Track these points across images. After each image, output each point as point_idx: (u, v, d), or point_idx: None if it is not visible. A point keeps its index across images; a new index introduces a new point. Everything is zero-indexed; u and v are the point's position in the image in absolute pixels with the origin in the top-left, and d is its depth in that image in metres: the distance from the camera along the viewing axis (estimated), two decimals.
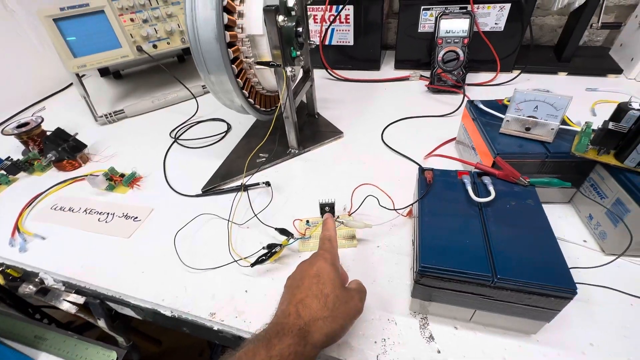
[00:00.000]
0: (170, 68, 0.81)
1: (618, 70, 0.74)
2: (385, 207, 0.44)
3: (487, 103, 0.50)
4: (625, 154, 0.36)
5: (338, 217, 0.46)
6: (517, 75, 0.77)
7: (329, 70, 0.87)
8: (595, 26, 0.72)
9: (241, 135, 0.69)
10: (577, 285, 0.34)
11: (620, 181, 0.37)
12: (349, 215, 0.47)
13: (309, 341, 0.27)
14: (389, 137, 0.65)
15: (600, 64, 0.77)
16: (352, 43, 0.87)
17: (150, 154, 0.66)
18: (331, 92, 0.83)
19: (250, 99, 0.53)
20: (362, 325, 0.36)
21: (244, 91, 0.50)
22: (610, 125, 0.36)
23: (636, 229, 0.36)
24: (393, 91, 0.81)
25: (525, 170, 0.43)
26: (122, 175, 0.60)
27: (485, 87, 0.78)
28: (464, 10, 0.73)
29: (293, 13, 0.53)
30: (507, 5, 0.72)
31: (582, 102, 0.68)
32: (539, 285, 0.27)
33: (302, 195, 0.53)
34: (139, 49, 0.75)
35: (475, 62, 0.81)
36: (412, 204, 0.42)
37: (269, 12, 0.44)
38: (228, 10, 0.44)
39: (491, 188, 0.35)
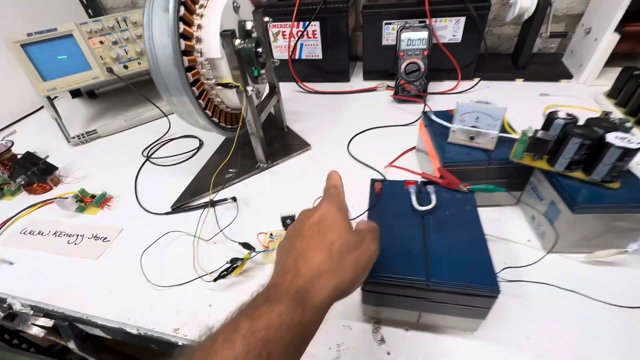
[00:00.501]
0: (143, 87, 0.82)
1: (569, 76, 0.79)
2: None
3: (438, 114, 0.54)
4: (555, 160, 0.40)
5: None
6: (477, 83, 0.81)
7: (299, 84, 0.89)
8: (544, 35, 0.76)
9: (213, 151, 0.71)
10: (516, 282, 0.37)
11: (552, 184, 0.40)
12: None
13: (309, 304, 0.22)
14: (356, 147, 0.67)
15: (553, 70, 0.82)
16: (320, 56, 0.90)
17: (122, 174, 0.67)
18: (301, 105, 0.85)
19: (214, 118, 0.55)
20: (318, 332, 0.37)
21: (206, 111, 0.52)
22: (539, 134, 0.39)
23: (565, 227, 0.39)
24: (361, 102, 0.84)
25: (472, 176, 0.46)
26: (93, 196, 0.60)
27: (448, 95, 0.81)
28: (423, 24, 0.77)
29: (253, 35, 0.56)
30: (462, 19, 0.76)
31: (536, 107, 0.71)
32: (465, 286, 0.29)
33: (268, 209, 0.55)
34: (109, 70, 0.76)
35: (438, 71, 0.85)
36: (360, 215, 0.45)
37: (226, 37, 0.46)
38: (185, 36, 0.46)
39: (433, 197, 0.38)
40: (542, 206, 0.43)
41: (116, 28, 0.77)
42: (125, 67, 0.79)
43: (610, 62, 0.73)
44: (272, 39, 0.89)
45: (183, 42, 0.45)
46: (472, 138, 0.46)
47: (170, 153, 0.72)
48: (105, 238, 0.53)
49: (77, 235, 0.54)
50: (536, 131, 0.40)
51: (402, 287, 0.31)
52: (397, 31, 0.77)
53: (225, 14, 0.48)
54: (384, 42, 0.84)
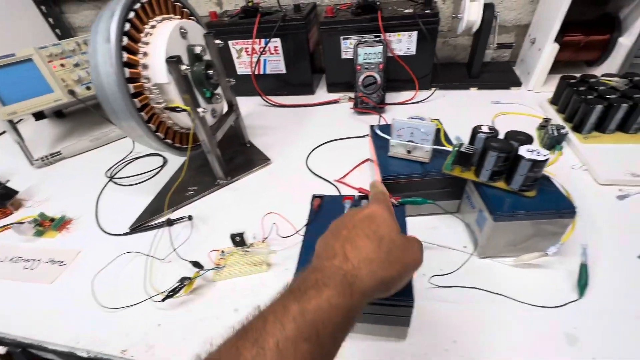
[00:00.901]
0: None
1: (518, 84, 0.83)
2: (279, 236, 0.48)
3: (383, 128, 0.56)
4: (479, 171, 0.42)
5: (252, 244, 0.50)
6: (432, 93, 0.84)
7: (264, 98, 0.91)
8: (492, 46, 0.80)
9: (177, 169, 0.72)
10: (448, 287, 0.40)
11: (479, 193, 0.43)
12: (263, 242, 0.51)
13: (356, 289, 0.22)
14: (315, 160, 0.69)
15: (504, 78, 0.86)
16: (284, 71, 0.92)
17: (84, 196, 0.68)
18: (266, 119, 0.88)
19: (167, 140, 0.56)
20: None
21: (157, 134, 0.53)
22: (463, 148, 0.42)
23: (491, 234, 0.41)
24: (324, 114, 0.87)
25: (411, 188, 0.48)
26: (53, 220, 0.61)
27: (406, 105, 0.84)
28: (378, 39, 0.80)
29: (205, 57, 0.58)
30: (414, 33, 0.80)
31: (487, 114, 0.75)
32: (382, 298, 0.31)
33: (224, 226, 0.56)
34: (71, 92, 0.77)
35: (398, 82, 0.88)
36: (298, 230, 0.47)
37: (172, 63, 0.48)
38: (130, 64, 0.47)
39: None
40: (474, 214, 0.45)
41: (77, 50, 0.78)
42: (88, 88, 0.80)
43: (558, 69, 0.78)
44: (236, 55, 0.91)
45: (127, 70, 0.46)
46: (409, 152, 0.49)
47: (135, 172, 0.73)
48: (62, 262, 0.54)
49: (34, 260, 0.54)
50: (461, 145, 0.43)
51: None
52: (354, 46, 0.80)
53: (172, 41, 0.50)
54: (344, 56, 0.87)
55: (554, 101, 0.72)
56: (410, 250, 0.26)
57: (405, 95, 0.88)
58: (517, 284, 0.42)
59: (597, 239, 0.45)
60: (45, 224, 0.60)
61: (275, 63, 0.91)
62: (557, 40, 0.74)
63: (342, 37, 0.84)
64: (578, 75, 0.68)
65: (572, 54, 0.78)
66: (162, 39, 0.49)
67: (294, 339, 0.19)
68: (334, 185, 0.61)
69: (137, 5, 0.48)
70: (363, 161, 0.65)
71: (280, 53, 0.89)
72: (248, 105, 0.94)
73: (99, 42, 0.45)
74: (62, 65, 0.76)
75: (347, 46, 0.85)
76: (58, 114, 1.02)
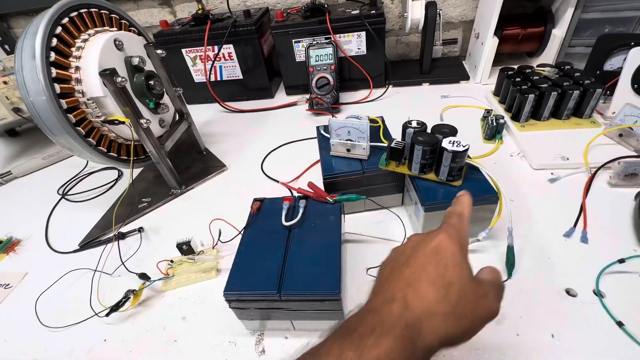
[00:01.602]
0: None
1: (467, 77, 0.86)
2: (221, 241, 0.49)
3: (326, 128, 0.57)
4: (410, 165, 0.44)
5: (202, 251, 0.50)
6: (386, 90, 0.87)
7: (221, 104, 0.91)
8: (438, 43, 0.83)
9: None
10: None
11: (414, 186, 0.45)
12: (213, 248, 0.51)
13: (418, 344, 0.20)
14: (271, 164, 0.70)
15: (454, 72, 0.89)
16: (241, 76, 0.92)
17: (33, 215, 0.66)
18: (225, 125, 0.87)
19: (112, 153, 0.55)
20: (203, 347, 0.39)
21: (99, 148, 0.53)
22: (392, 143, 0.44)
23: (426, 223, 0.43)
24: (283, 117, 0.87)
25: (353, 185, 0.50)
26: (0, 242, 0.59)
27: (361, 104, 0.86)
28: (328, 41, 0.81)
29: (146, 68, 0.58)
30: (363, 33, 0.81)
31: (436, 108, 0.78)
32: (310, 293, 0.32)
33: (175, 236, 0.54)
34: (16, 110, 0.75)
35: (353, 81, 0.90)
36: (239, 232, 0.47)
37: (106, 76, 0.48)
38: (61, 79, 0.47)
39: (301, 210, 0.41)
40: (412, 206, 0.47)
41: None
42: None
43: (503, 61, 0.81)
44: (191, 63, 0.91)
45: (58, 86, 0.46)
46: (348, 150, 0.50)
47: (89, 187, 0.72)
48: (7, 284, 0.52)
49: None
50: (392, 141, 0.44)
51: (261, 301, 0.34)
52: (306, 49, 0.82)
53: (105, 53, 0.50)
54: (297, 59, 0.88)
55: (496, 92, 0.75)
56: (484, 300, 0.22)
57: (361, 94, 0.89)
58: None
59: (528, 221, 0.48)
60: None
61: (231, 69, 0.91)
62: (496, 34, 0.77)
63: (294, 41, 0.85)
64: (516, 66, 0.72)
65: (512, 46, 0.81)
66: (94, 52, 0.49)
67: None
68: (288, 187, 0.62)
69: (65, 20, 0.48)
70: (316, 162, 0.66)
71: (234, 59, 0.89)
72: (207, 112, 0.93)
73: (25, 59, 0.44)
74: (4, 82, 0.74)
75: (300, 49, 0.86)
76: (10, 132, 0.99)
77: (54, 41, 0.46)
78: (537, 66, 0.71)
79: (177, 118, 0.69)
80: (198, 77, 0.93)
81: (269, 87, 0.94)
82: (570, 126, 0.62)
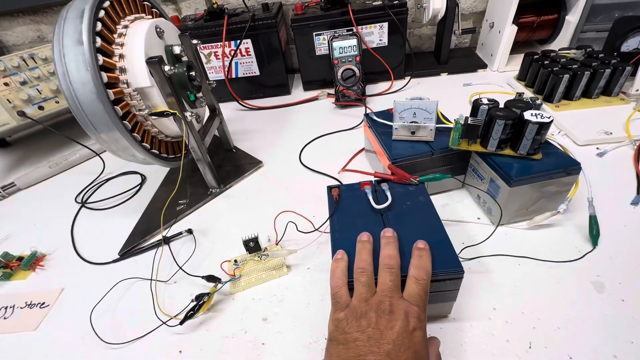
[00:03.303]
0: (65, 127, 0.74)
1: (484, 66, 0.88)
2: (302, 232, 0.46)
3: (379, 114, 0.56)
4: (486, 141, 0.44)
5: (266, 248, 0.47)
6: (408, 82, 0.87)
7: (240, 102, 0.88)
8: (457, 33, 0.85)
9: (158, 185, 0.66)
10: (474, 259, 0.40)
11: (489, 163, 0.44)
12: (277, 244, 0.48)
13: None
14: (307, 157, 0.68)
15: (470, 62, 0.91)
16: (258, 73, 0.89)
17: (54, 227, 0.60)
18: (247, 123, 0.84)
19: (154, 150, 0.51)
20: (297, 350, 0.36)
21: (144, 144, 0.48)
22: (470, 120, 0.43)
23: (506, 200, 0.43)
24: (305, 112, 0.85)
25: (420, 168, 0.49)
26: (21, 259, 0.53)
27: (385, 95, 0.86)
28: (351, 32, 0.81)
29: (183, 58, 0.54)
30: (385, 24, 0.81)
31: (462, 96, 0.79)
32: (434, 273, 0.31)
33: (228, 235, 0.52)
34: (21, 114, 0.68)
35: (373, 74, 0.89)
36: (323, 223, 0.45)
37: (153, 64, 0.44)
38: (106, 68, 0.43)
39: (388, 193, 0.39)
40: (484, 185, 0.46)
41: (23, 67, 0.69)
42: (41, 107, 0.71)
43: (515, 49, 0.84)
44: (204, 60, 0.87)
45: (105, 75, 0.41)
46: (413, 133, 0.49)
47: (109, 194, 0.66)
48: (43, 304, 0.46)
49: (6, 308, 0.46)
50: (466, 118, 0.44)
51: None
52: (328, 41, 0.80)
53: (149, 40, 0.46)
54: (318, 52, 0.86)
55: (520, 77, 0.77)
56: None
57: (382, 86, 0.89)
58: (536, 244, 0.43)
59: (592, 192, 0.48)
60: (13, 265, 0.51)
61: (248, 65, 0.88)
62: (514, 22, 0.80)
63: (314, 34, 0.83)
64: (539, 52, 0.74)
65: (528, 33, 0.84)
66: (138, 39, 0.45)
67: None
68: (335, 178, 0.60)
69: (107, 4, 0.44)
70: (359, 151, 0.65)
71: (252, 55, 0.86)
72: (224, 111, 0.88)
73: (68, 46, 0.39)
74: (5, 84, 0.67)
75: (321, 42, 0.84)
76: (1, 143, 0.90)
77: (99, 25, 0.41)
78: (559, 50, 0.73)
79: (209, 114, 0.65)
80: (212, 74, 0.89)
81: (286, 84, 0.92)
82: (601, 104, 0.65)
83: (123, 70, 0.44)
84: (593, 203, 0.43)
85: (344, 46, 0.79)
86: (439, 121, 0.50)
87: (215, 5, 0.82)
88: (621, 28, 0.69)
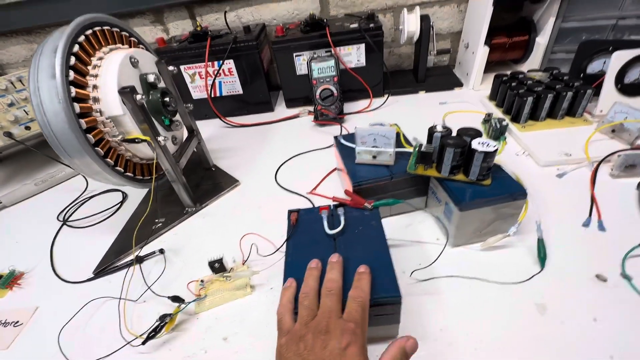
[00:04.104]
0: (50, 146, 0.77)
1: (460, 84, 0.91)
2: (261, 255, 0.48)
3: (348, 137, 0.59)
4: (440, 167, 0.46)
5: (232, 269, 0.49)
6: (386, 100, 0.90)
7: (222, 119, 0.90)
8: (432, 53, 0.88)
9: (138, 203, 0.68)
10: (428, 280, 0.41)
11: (443, 187, 0.46)
12: (243, 264, 0.50)
13: None
14: (284, 175, 0.70)
15: (447, 80, 0.94)
16: (241, 91, 0.92)
17: (34, 245, 0.62)
18: (229, 140, 0.87)
19: (128, 173, 0.53)
20: None
21: (117, 168, 0.51)
22: (423, 148, 0.45)
23: (459, 223, 0.45)
24: (286, 129, 0.88)
25: (381, 191, 0.51)
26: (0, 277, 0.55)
27: (364, 113, 0.88)
28: (329, 54, 0.83)
29: (160, 85, 0.57)
30: (362, 45, 0.84)
31: (437, 114, 0.81)
32: (371, 298, 0.32)
33: (199, 255, 0.54)
34: (8, 134, 0.71)
35: (353, 92, 0.92)
36: (280, 247, 0.47)
37: (125, 94, 0.47)
38: (80, 99, 0.45)
39: (342, 218, 0.41)
40: (441, 207, 0.49)
41: (10, 89, 0.72)
42: (27, 128, 0.74)
43: (491, 68, 0.86)
44: (189, 80, 0.90)
45: (77, 106, 0.44)
46: (374, 157, 0.51)
47: (92, 212, 0.68)
48: (17, 322, 0.48)
49: None
50: (420, 145, 0.46)
51: None
52: (307, 62, 0.83)
53: (123, 71, 0.49)
54: (299, 72, 0.89)
55: (492, 97, 0.80)
56: None
57: (361, 104, 0.92)
58: (488, 266, 0.45)
59: (546, 215, 0.50)
60: None
61: (231, 84, 0.91)
62: (486, 43, 0.83)
63: (295, 54, 0.86)
64: (508, 72, 0.77)
65: (500, 54, 0.87)
66: (112, 70, 0.47)
67: None
68: (307, 198, 0.62)
69: (82, 38, 0.46)
70: (331, 171, 0.67)
71: (235, 74, 0.89)
72: (208, 128, 0.92)
73: (43, 80, 0.42)
74: None
75: (301, 62, 0.87)
76: None
77: (72, 59, 0.44)
78: (528, 71, 0.76)
79: (187, 135, 0.68)
80: (196, 93, 0.92)
81: (269, 101, 0.95)
82: (565, 125, 0.67)
83: (97, 99, 0.47)
84: (541, 227, 0.45)
85: (322, 67, 0.82)
86: (400, 145, 0.52)
87: (198, 28, 0.85)
88: (586, 51, 0.72)
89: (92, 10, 0.91)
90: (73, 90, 0.44)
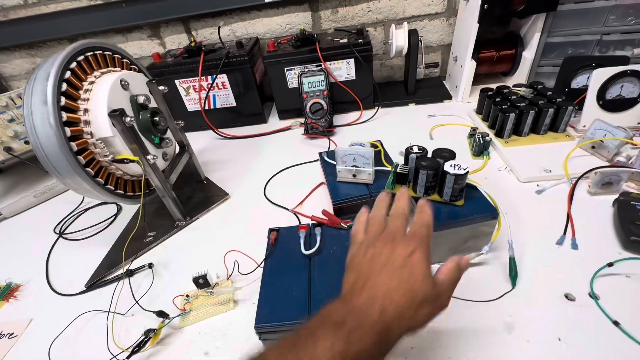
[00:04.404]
0: None
1: (449, 97, 0.93)
2: (241, 273, 0.50)
3: (330, 154, 0.60)
4: (415, 187, 0.48)
5: (217, 284, 0.51)
6: (376, 112, 0.91)
7: (216, 131, 0.93)
8: (421, 66, 0.89)
9: (132, 215, 0.70)
10: None
11: None
12: (228, 279, 0.51)
13: (389, 339, 0.26)
14: (273, 188, 0.72)
15: (437, 92, 0.95)
16: (234, 104, 0.95)
17: (31, 257, 0.64)
18: (222, 152, 0.89)
19: (119, 190, 0.56)
20: None
21: (107, 186, 0.53)
22: (398, 169, 0.47)
23: (434, 242, 0.46)
24: (278, 142, 0.90)
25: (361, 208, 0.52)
26: None
27: (354, 125, 0.90)
28: (319, 68, 0.86)
29: (149, 105, 0.59)
30: (352, 60, 0.86)
31: (424, 128, 0.83)
32: None
33: (187, 269, 0.56)
34: (8, 149, 0.73)
35: (344, 104, 0.94)
36: (259, 265, 0.48)
37: (115, 117, 0.49)
38: (71, 122, 0.47)
39: (318, 238, 0.43)
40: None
41: (11, 105, 0.74)
42: (27, 142, 0.77)
43: (481, 80, 0.88)
44: (184, 93, 0.93)
45: (68, 130, 0.46)
46: (354, 175, 0.53)
47: (87, 224, 0.71)
48: (12, 334, 0.50)
49: None
50: (397, 166, 0.48)
51: (290, 331, 0.35)
52: (298, 77, 0.85)
53: (113, 94, 0.51)
54: (290, 86, 0.91)
55: (478, 111, 0.81)
56: (439, 299, 0.29)
57: (352, 115, 0.94)
58: (462, 283, 0.45)
59: (523, 231, 0.52)
60: None
61: (225, 97, 0.93)
62: (474, 57, 0.84)
63: (286, 69, 0.88)
64: (495, 86, 0.78)
65: (488, 67, 0.89)
66: (102, 94, 0.50)
67: None
68: (293, 212, 0.64)
69: (74, 64, 0.49)
70: (318, 185, 0.69)
71: (228, 87, 0.91)
72: (202, 140, 0.95)
73: (36, 105, 0.44)
74: None
75: (292, 76, 0.89)
76: None
77: (64, 86, 0.47)
78: (513, 86, 0.77)
79: (178, 150, 0.70)
80: (191, 106, 0.95)
81: (262, 113, 0.97)
82: (548, 140, 0.68)
83: (87, 122, 0.49)
84: (513, 245, 0.46)
85: (313, 81, 0.84)
86: (381, 164, 0.54)
87: (192, 44, 0.87)
88: (570, 66, 0.73)
89: (91, 26, 0.95)
90: (64, 115, 0.46)
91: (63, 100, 0.46)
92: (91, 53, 0.53)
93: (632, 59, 0.73)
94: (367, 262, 0.30)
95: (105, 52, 0.56)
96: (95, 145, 0.50)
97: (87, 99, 0.50)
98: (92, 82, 0.51)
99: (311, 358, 0.23)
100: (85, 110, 0.49)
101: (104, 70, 0.55)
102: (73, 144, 0.47)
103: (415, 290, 0.27)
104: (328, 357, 0.23)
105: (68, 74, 0.48)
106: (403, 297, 0.27)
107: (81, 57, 0.50)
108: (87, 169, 0.49)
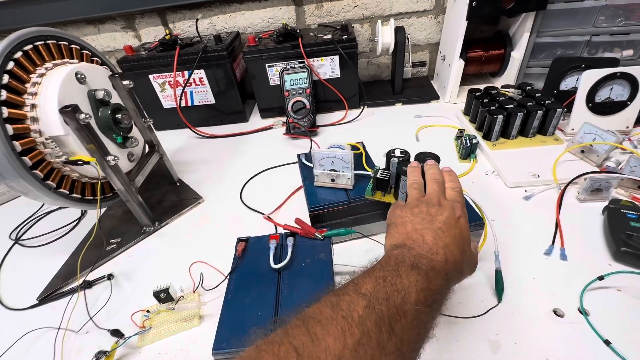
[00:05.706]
0: None
1: (437, 97, 0.90)
2: (204, 288, 0.45)
3: (308, 157, 0.56)
4: (397, 193, 0.44)
5: (182, 297, 0.46)
6: (361, 112, 0.88)
7: (193, 130, 0.88)
8: (408, 65, 0.86)
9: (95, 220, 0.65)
10: None
11: None
12: (194, 292, 0.47)
13: (449, 287, 0.30)
14: (250, 191, 0.68)
15: (424, 92, 0.92)
16: (213, 101, 0.90)
17: None
18: (199, 152, 0.84)
19: (75, 195, 0.51)
20: None
21: (61, 190, 0.48)
22: (378, 175, 0.43)
23: None
24: (259, 141, 0.85)
25: (339, 215, 0.49)
26: None
27: (338, 125, 0.87)
28: (302, 65, 0.82)
29: (111, 101, 0.54)
30: (336, 57, 0.83)
31: (411, 128, 0.80)
32: None
33: (150, 281, 0.51)
34: None
35: (329, 102, 0.90)
36: (225, 279, 0.44)
37: (67, 113, 0.44)
38: (14, 119, 0.42)
39: (289, 250, 0.39)
40: None
41: None
42: None
43: (469, 80, 0.85)
44: (159, 89, 0.87)
45: (10, 127, 0.41)
46: (333, 180, 0.49)
47: (47, 229, 0.65)
48: None
49: None
50: (376, 171, 0.44)
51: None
52: (280, 73, 0.81)
53: (66, 88, 0.46)
54: (272, 83, 0.87)
55: (466, 112, 0.78)
56: (475, 258, 0.35)
57: (337, 115, 0.90)
58: None
59: (510, 241, 0.49)
60: None
61: (203, 94, 0.89)
62: (462, 56, 0.81)
63: (267, 65, 0.84)
64: (483, 87, 0.76)
65: (477, 67, 0.86)
66: (52, 87, 0.45)
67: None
68: (268, 218, 0.60)
69: (19, 54, 0.44)
70: (297, 189, 0.65)
71: (206, 84, 0.86)
72: (179, 138, 0.90)
73: None
74: None
75: (274, 73, 0.85)
76: None
77: (5, 78, 0.41)
78: (502, 87, 0.75)
79: (147, 150, 0.65)
80: (167, 102, 0.90)
81: (243, 111, 0.92)
82: (536, 143, 0.66)
83: (35, 119, 0.44)
84: (500, 257, 0.43)
85: (295, 78, 0.80)
86: (361, 167, 0.51)
87: (167, 37, 0.82)
88: (559, 67, 0.71)
89: (57, 16, 0.89)
90: (5, 110, 0.41)
91: (4, 94, 0.41)
92: (42, 42, 0.47)
93: (621, 61, 0.71)
94: (419, 219, 0.32)
95: (60, 42, 0.51)
96: (45, 144, 0.45)
97: (35, 93, 0.44)
98: (41, 75, 0.46)
99: (403, 288, 0.25)
100: (33, 106, 0.44)
101: (58, 61, 0.49)
102: (16, 143, 0.42)
103: (465, 250, 0.32)
104: (417, 290, 0.26)
105: (11, 65, 0.43)
106: (458, 251, 0.30)
107: (29, 47, 0.45)
108: (34, 171, 0.44)
